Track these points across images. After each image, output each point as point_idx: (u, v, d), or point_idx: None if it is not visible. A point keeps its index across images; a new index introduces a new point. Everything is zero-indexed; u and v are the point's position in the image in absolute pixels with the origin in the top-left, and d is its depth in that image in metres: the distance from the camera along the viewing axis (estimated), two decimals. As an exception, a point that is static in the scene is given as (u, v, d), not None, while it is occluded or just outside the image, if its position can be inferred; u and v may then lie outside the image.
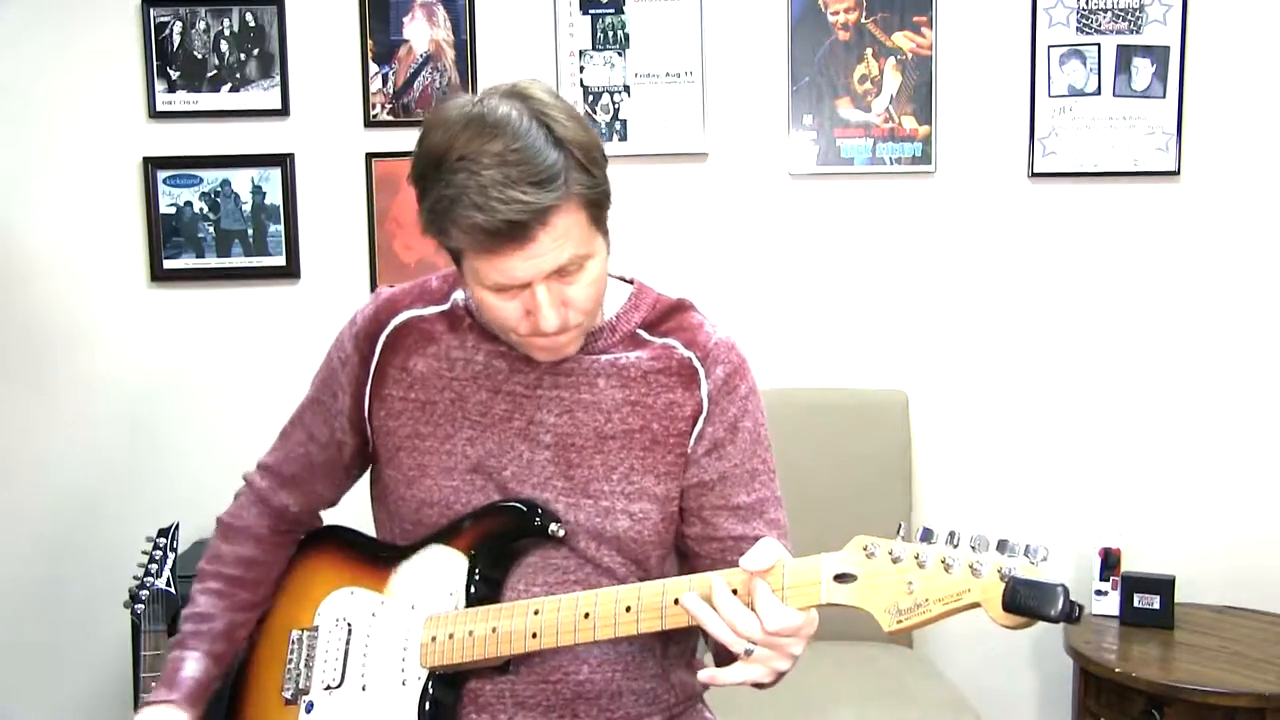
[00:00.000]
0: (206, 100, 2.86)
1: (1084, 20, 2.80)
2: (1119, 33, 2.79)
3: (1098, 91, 2.80)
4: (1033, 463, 2.90)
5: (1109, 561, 2.75)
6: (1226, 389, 2.86)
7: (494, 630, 1.32)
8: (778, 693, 1.35)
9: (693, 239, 2.87)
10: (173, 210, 2.87)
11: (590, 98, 2.84)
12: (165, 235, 2.88)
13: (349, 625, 1.44)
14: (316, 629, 1.47)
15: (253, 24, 2.84)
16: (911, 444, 2.81)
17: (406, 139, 2.86)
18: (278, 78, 2.85)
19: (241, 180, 2.87)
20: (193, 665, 1.47)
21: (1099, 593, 2.76)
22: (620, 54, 2.85)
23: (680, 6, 2.83)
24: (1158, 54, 2.79)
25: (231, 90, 2.86)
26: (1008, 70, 2.83)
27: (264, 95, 2.86)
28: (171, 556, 2.26)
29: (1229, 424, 2.86)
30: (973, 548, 1.12)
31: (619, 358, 1.39)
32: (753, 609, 1.19)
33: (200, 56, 2.85)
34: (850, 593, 1.16)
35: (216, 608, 1.51)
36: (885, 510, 2.74)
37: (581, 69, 2.85)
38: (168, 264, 2.89)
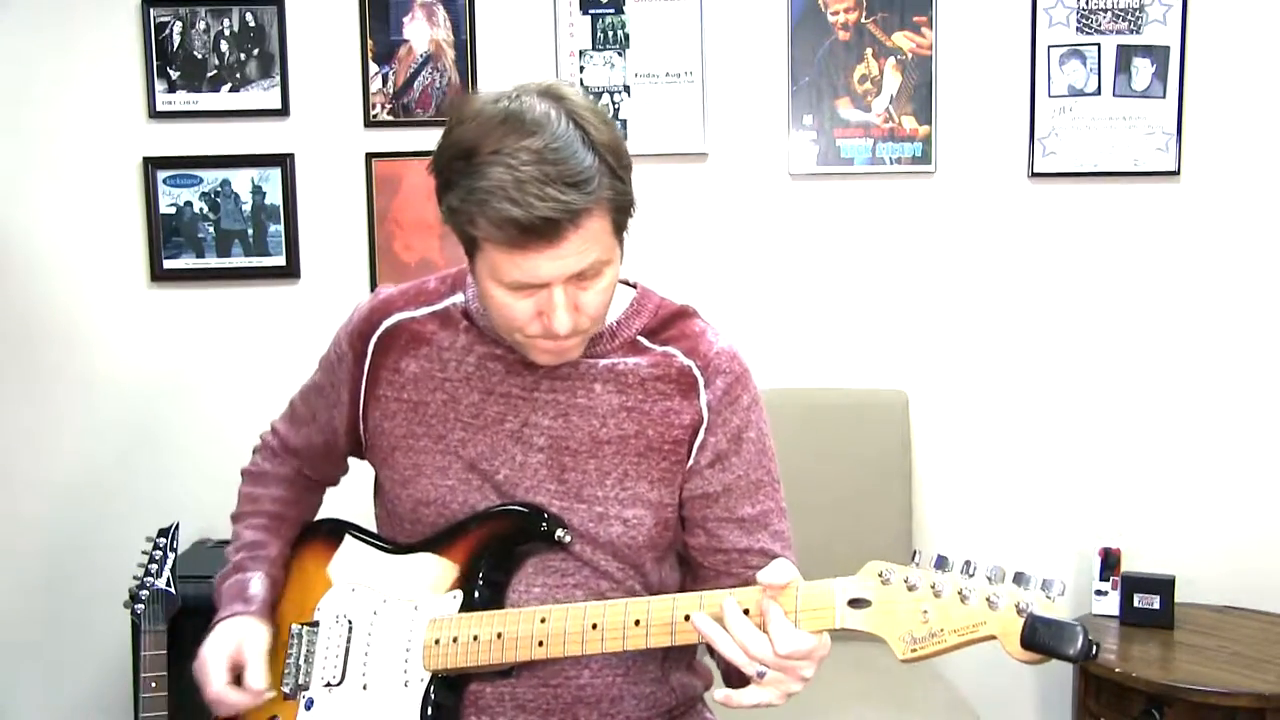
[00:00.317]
0: (206, 100, 2.86)
1: (1084, 20, 2.80)
2: (1119, 33, 2.79)
3: (1098, 91, 2.80)
4: (1033, 463, 2.90)
5: (1109, 561, 2.76)
6: (1226, 389, 2.86)
7: (499, 636, 1.32)
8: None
9: (693, 239, 2.87)
10: (173, 210, 2.87)
11: (590, 98, 2.84)
12: (165, 235, 2.88)
13: (350, 623, 1.44)
14: (317, 624, 1.47)
15: (253, 24, 2.84)
16: (911, 444, 2.80)
17: (406, 139, 2.86)
18: (278, 78, 2.85)
19: (241, 180, 2.87)
20: (258, 583, 1.49)
21: (1099, 593, 2.76)
22: (620, 54, 2.85)
23: (680, 6, 2.83)
24: (1158, 54, 2.79)
25: (231, 90, 2.86)
26: (1008, 70, 2.83)
27: (264, 95, 2.86)
28: (171, 556, 2.25)
29: (1229, 424, 2.86)
30: (989, 579, 1.12)
31: (617, 363, 1.38)
32: (764, 631, 1.18)
33: (200, 56, 2.85)
34: (864, 619, 1.16)
35: (267, 536, 1.54)
36: (885, 510, 2.74)
37: (581, 69, 2.85)
38: (168, 264, 2.89)
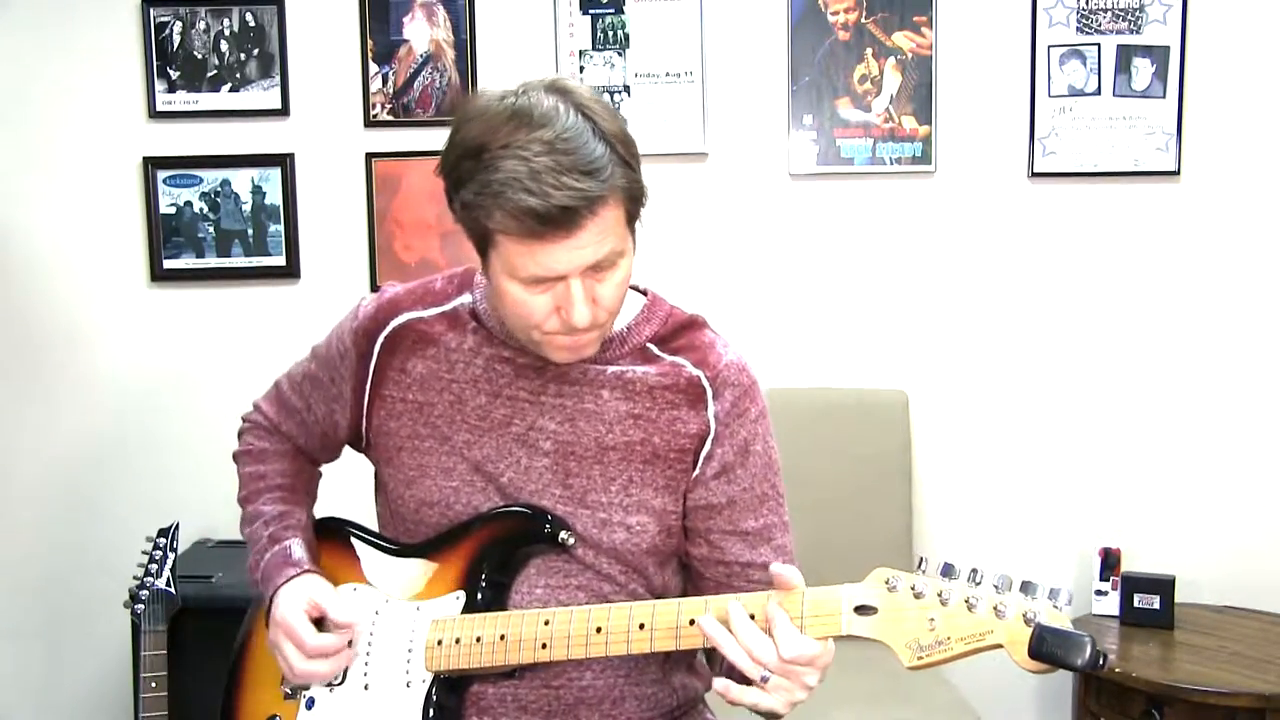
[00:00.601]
0: (206, 100, 2.86)
1: (1084, 20, 2.80)
2: (1119, 33, 2.79)
3: (1098, 91, 2.81)
4: (1033, 463, 2.91)
5: (1109, 561, 2.76)
6: (1226, 389, 2.86)
7: (502, 638, 1.31)
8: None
9: (693, 239, 2.87)
10: (173, 210, 2.87)
11: (595, 91, 2.84)
12: (165, 235, 2.88)
13: (354, 613, 1.44)
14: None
15: (253, 24, 2.84)
16: (911, 444, 2.81)
17: (406, 139, 2.86)
18: (278, 78, 2.85)
19: (241, 180, 2.87)
20: (299, 548, 1.46)
21: (1099, 593, 2.76)
22: (620, 54, 2.85)
23: (680, 6, 2.83)
24: (1158, 54, 2.79)
25: (231, 90, 2.86)
26: (1008, 70, 2.83)
27: (264, 95, 2.86)
28: (171, 556, 2.26)
29: (1229, 424, 2.86)
30: (996, 587, 1.12)
31: (626, 371, 1.38)
32: (770, 635, 1.18)
33: (200, 56, 2.85)
34: (871, 625, 1.16)
35: (289, 506, 1.53)
36: (885, 510, 2.74)
37: (581, 69, 2.85)
38: (168, 264, 2.89)
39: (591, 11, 2.84)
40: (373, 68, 2.86)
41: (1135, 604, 2.70)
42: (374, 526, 1.54)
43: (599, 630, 1.27)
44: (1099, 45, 2.80)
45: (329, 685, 1.41)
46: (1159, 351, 2.87)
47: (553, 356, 1.33)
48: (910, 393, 2.83)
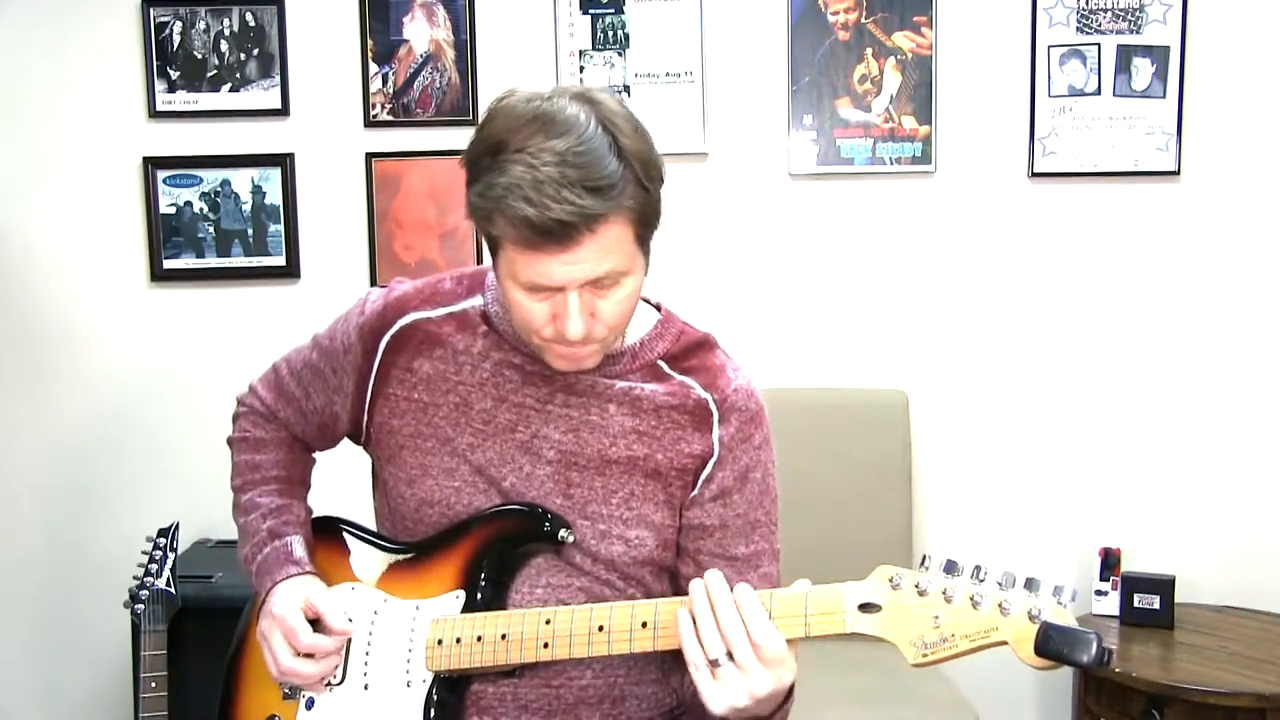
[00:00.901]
0: (206, 100, 2.86)
1: (1084, 20, 2.80)
2: (1119, 33, 2.79)
3: (1098, 91, 2.81)
4: (1033, 463, 2.91)
5: (1109, 561, 2.76)
6: (1226, 389, 2.86)
7: (503, 637, 1.31)
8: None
9: (693, 239, 2.87)
10: (173, 210, 2.87)
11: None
12: (165, 235, 2.88)
13: (350, 622, 1.44)
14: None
15: (253, 24, 2.84)
16: (911, 444, 2.81)
17: (406, 139, 2.86)
18: (278, 78, 2.85)
19: (241, 180, 2.87)
20: (299, 546, 1.46)
21: (1099, 593, 2.76)
22: (620, 54, 2.85)
23: (680, 6, 2.83)
24: (1158, 54, 2.79)
25: (231, 90, 2.86)
26: (1008, 70, 2.83)
27: (264, 95, 2.86)
28: (171, 556, 2.26)
29: (1229, 424, 2.87)
30: (1000, 585, 1.12)
31: (634, 387, 1.37)
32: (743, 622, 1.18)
33: (200, 56, 2.85)
34: (875, 623, 1.16)
35: (287, 500, 1.52)
36: (885, 510, 2.74)
37: (581, 69, 2.85)
38: (168, 264, 2.89)
39: (591, 11, 2.84)
40: (373, 68, 2.86)
41: (1135, 604, 2.70)
42: (370, 522, 1.54)
43: (601, 629, 1.27)
44: (1099, 45, 2.80)
45: (328, 685, 1.41)
46: (1159, 351, 2.87)
47: (553, 363, 1.33)
48: (910, 393, 2.83)
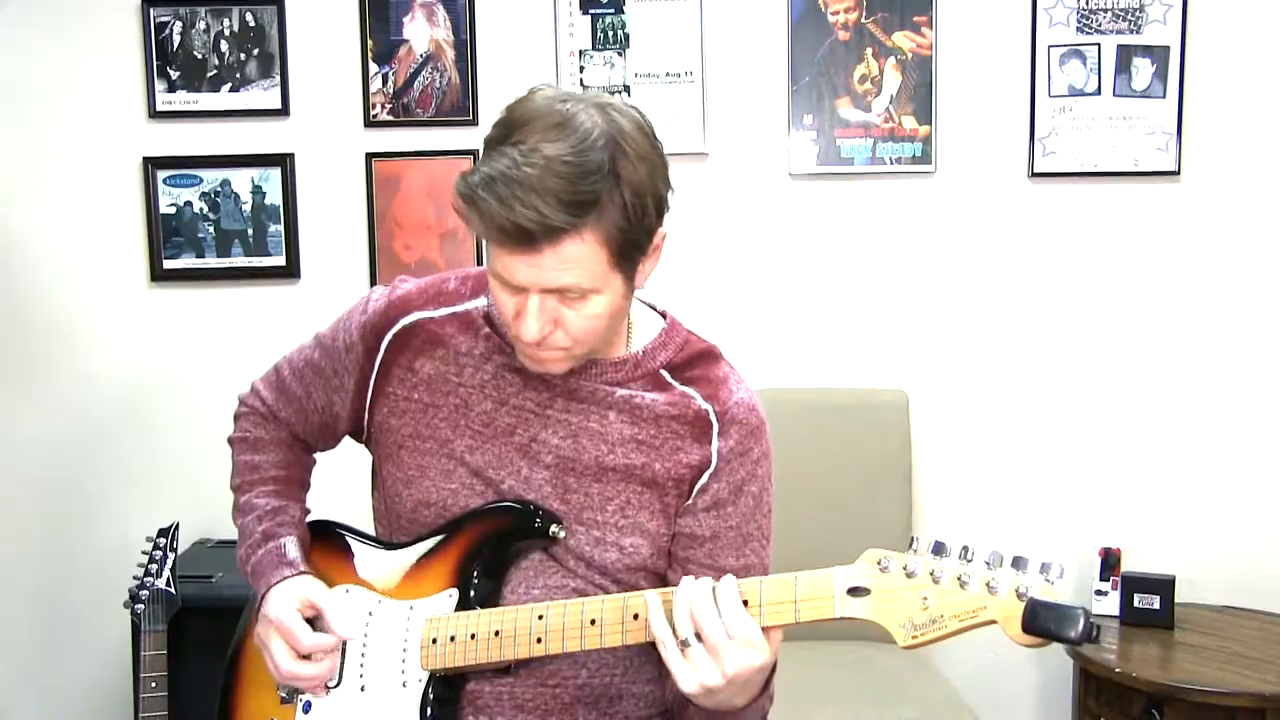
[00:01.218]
0: (206, 100, 2.86)
1: (1084, 20, 2.80)
2: (1119, 33, 2.79)
3: (1098, 91, 2.80)
4: (1033, 463, 2.90)
5: (1109, 561, 2.75)
6: (1226, 389, 2.86)
7: (496, 634, 1.31)
8: (775, 693, 1.35)
9: (693, 239, 2.87)
10: (173, 210, 2.88)
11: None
12: (165, 235, 2.88)
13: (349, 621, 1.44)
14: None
15: (253, 24, 2.84)
16: (911, 444, 2.80)
17: (406, 139, 2.86)
18: (278, 78, 2.86)
19: (241, 180, 2.88)
20: (294, 547, 1.45)
21: (1099, 593, 2.76)
22: (620, 54, 2.85)
23: (680, 6, 2.83)
24: (1158, 54, 2.79)
25: (231, 90, 2.86)
26: (1008, 70, 2.83)
27: (264, 95, 2.86)
28: (171, 556, 2.26)
29: (1229, 424, 2.86)
30: (987, 564, 1.12)
31: (635, 395, 1.37)
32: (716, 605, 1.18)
33: (200, 56, 2.85)
34: (864, 606, 1.16)
35: (283, 501, 1.51)
36: (885, 510, 2.74)
37: (581, 69, 2.85)
38: (168, 264, 2.89)
39: (591, 11, 2.84)
40: (373, 68, 2.86)
41: (1135, 604, 2.70)
42: (369, 521, 1.54)
43: (593, 622, 1.27)
44: (1099, 45, 2.80)
45: (326, 687, 1.41)
46: (1159, 351, 2.87)
47: (523, 360, 1.33)
48: (910, 393, 2.83)
